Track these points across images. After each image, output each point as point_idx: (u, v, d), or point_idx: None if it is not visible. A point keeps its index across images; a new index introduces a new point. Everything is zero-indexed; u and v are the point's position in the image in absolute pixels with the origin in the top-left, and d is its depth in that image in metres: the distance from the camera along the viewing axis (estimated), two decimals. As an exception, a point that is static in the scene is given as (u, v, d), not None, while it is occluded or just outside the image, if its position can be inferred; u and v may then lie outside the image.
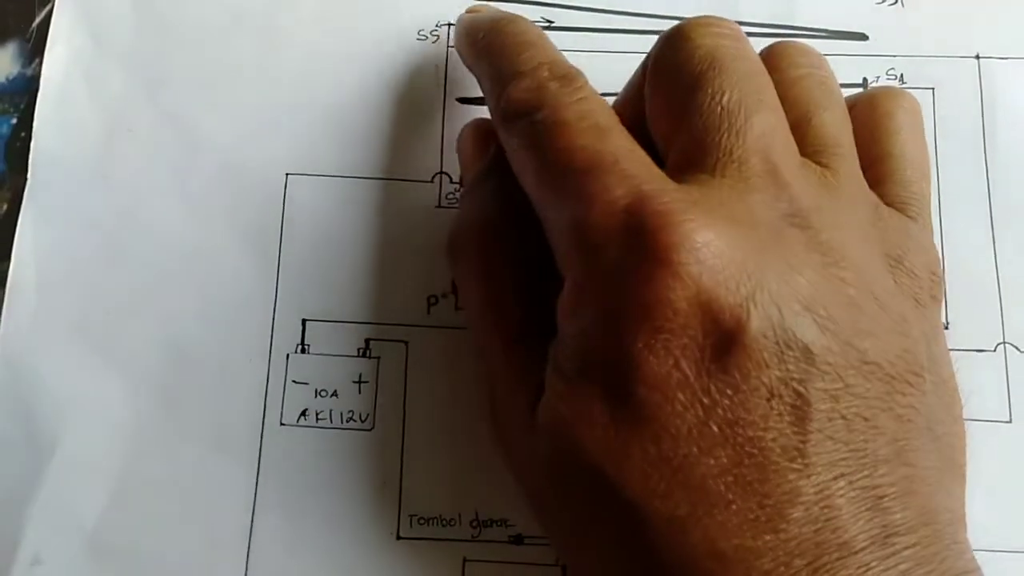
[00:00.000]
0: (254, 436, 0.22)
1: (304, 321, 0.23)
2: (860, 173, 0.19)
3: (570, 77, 0.19)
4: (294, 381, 0.23)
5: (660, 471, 0.16)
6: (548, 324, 0.18)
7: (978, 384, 0.22)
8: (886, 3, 0.25)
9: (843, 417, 0.16)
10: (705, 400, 0.16)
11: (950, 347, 0.22)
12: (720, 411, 0.16)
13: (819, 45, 0.24)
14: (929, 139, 0.24)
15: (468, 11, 0.24)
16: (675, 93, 0.19)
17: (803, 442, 0.15)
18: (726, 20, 0.19)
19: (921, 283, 0.18)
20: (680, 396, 0.16)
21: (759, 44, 0.24)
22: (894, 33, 0.25)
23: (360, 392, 0.23)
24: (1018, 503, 0.22)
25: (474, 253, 0.21)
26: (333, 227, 0.24)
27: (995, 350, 0.23)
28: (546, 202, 0.18)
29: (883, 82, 0.24)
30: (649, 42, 0.24)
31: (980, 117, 0.24)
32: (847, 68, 0.25)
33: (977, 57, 0.25)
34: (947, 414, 0.18)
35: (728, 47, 0.19)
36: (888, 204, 0.20)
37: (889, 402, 0.16)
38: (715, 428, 0.15)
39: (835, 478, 0.16)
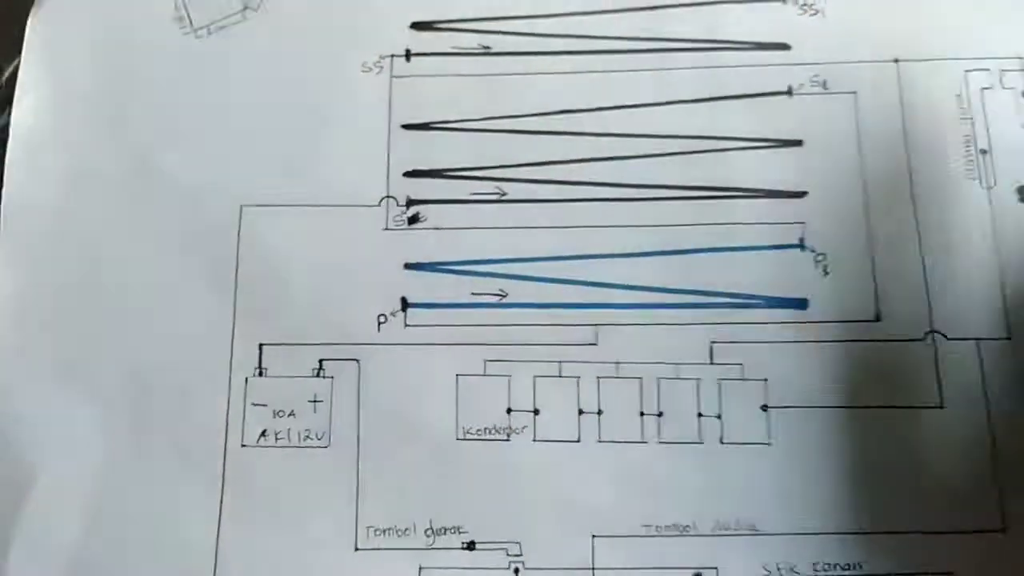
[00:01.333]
0: (217, 458, 0.24)
1: (261, 346, 0.24)
2: None
3: None
4: (253, 404, 0.24)
5: None
6: None
7: (910, 372, 0.24)
8: (807, 13, 0.26)
9: None
10: None
11: (881, 338, 0.24)
12: None
13: (744, 57, 0.26)
14: (853, 141, 0.25)
15: None
16: None
17: None
18: None
19: None
20: None
21: (689, 59, 0.26)
22: (816, 41, 0.26)
23: (316, 411, 0.24)
24: (948, 486, 0.23)
25: None
26: (286, 254, 0.25)
27: (924, 339, 0.24)
28: None
29: (807, 88, 0.25)
30: (583, 62, 0.26)
31: (900, 118, 0.25)
32: (772, 77, 0.26)
33: (896, 61, 0.26)
34: None
35: None
36: None
37: None
38: None
39: None
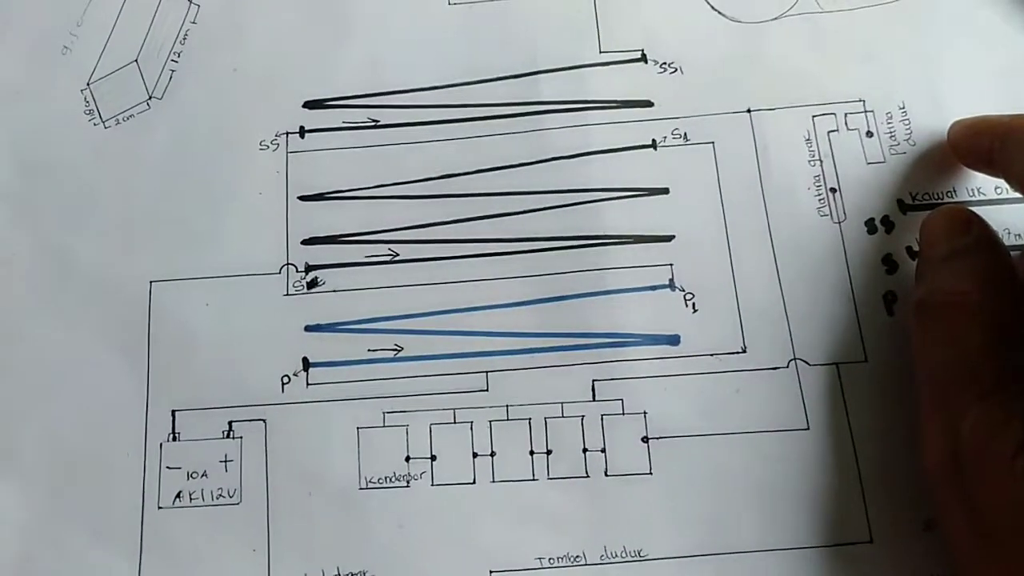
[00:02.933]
0: (135, 521, 0.25)
1: (174, 412, 0.26)
2: None
3: None
4: (168, 467, 0.25)
5: None
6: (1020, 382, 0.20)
7: (777, 398, 0.25)
8: (667, 72, 0.28)
9: None
10: None
11: (748, 368, 0.25)
12: None
13: (610, 114, 0.28)
14: (714, 187, 0.27)
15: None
16: None
17: None
18: None
19: None
20: None
21: (558, 119, 0.28)
22: (676, 97, 0.28)
23: (227, 470, 0.25)
24: (821, 500, 0.24)
25: (947, 317, 0.22)
26: (194, 324, 0.27)
27: (788, 366, 0.26)
28: None
29: (669, 140, 0.28)
30: (466, 129, 0.28)
31: (756, 163, 0.27)
32: (637, 132, 0.28)
33: (749, 111, 0.28)
34: None
35: None
36: None
37: None
38: None
39: None
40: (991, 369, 0.21)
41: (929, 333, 0.23)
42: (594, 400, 0.25)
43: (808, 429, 0.25)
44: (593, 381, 0.26)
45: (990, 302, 0.22)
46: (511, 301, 0.26)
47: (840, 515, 0.24)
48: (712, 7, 0.29)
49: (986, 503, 0.21)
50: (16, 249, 0.27)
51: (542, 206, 0.27)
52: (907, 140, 0.27)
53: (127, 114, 0.29)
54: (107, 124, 0.29)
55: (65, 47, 0.30)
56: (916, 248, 0.26)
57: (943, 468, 0.22)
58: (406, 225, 0.27)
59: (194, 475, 0.25)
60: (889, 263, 0.26)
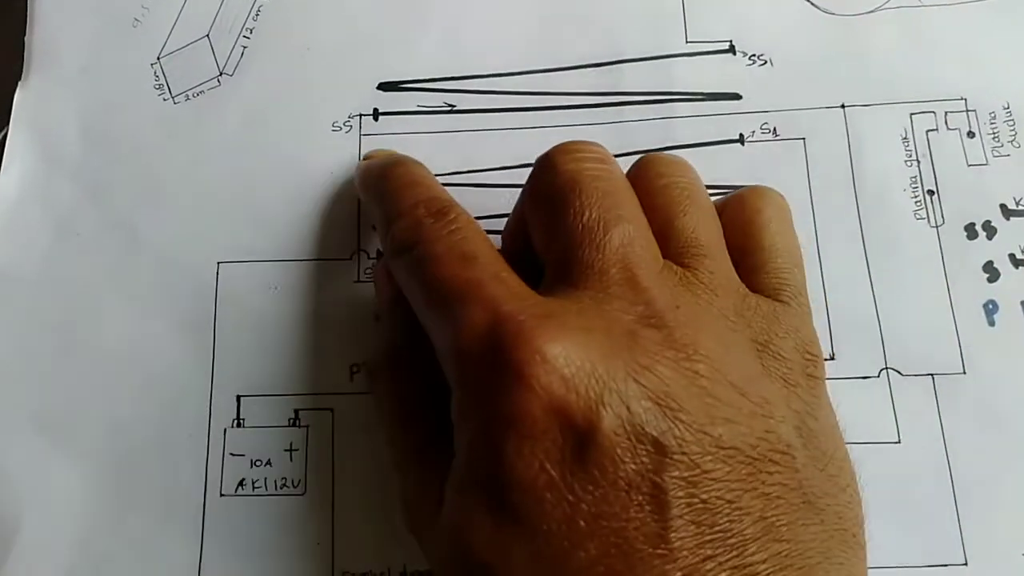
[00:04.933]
0: (197, 508, 0.24)
1: (239, 397, 0.25)
2: (727, 267, 0.21)
3: (443, 212, 0.21)
4: (231, 454, 0.25)
5: (539, 568, 0.17)
6: (451, 437, 0.20)
7: (866, 409, 0.24)
8: (756, 64, 0.27)
9: (703, 502, 0.17)
10: (570, 497, 0.17)
11: (837, 376, 0.24)
12: (584, 506, 0.17)
13: (697, 107, 0.27)
14: (803, 186, 0.26)
15: (365, 157, 0.27)
16: (544, 214, 0.21)
17: (664, 528, 0.17)
18: (591, 144, 0.22)
19: (790, 364, 0.20)
20: (548, 496, 0.17)
21: (641, 110, 0.27)
22: (765, 90, 0.27)
23: (292, 460, 0.25)
24: (912, 519, 0.23)
25: (386, 375, 0.23)
26: (262, 308, 0.26)
27: (879, 376, 0.24)
28: (428, 327, 0.21)
29: (758, 136, 0.27)
30: (545, 117, 0.27)
31: (849, 162, 0.26)
32: (724, 126, 0.27)
33: (843, 107, 0.27)
34: (832, 485, 0.19)
35: (588, 169, 0.21)
36: (760, 291, 0.21)
37: (753, 482, 0.18)
38: (582, 523, 0.17)
39: (703, 560, 0.17)
40: (424, 426, 0.21)
41: (377, 386, 0.23)
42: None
43: (899, 443, 0.24)
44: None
45: (418, 353, 0.22)
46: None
47: (932, 535, 0.23)
48: (805, -2, 0.28)
49: (425, 556, 0.21)
50: (84, 224, 0.27)
51: (623, 199, 0.26)
52: (1011, 142, 0.26)
53: (197, 90, 0.28)
54: (176, 100, 0.28)
55: (136, 20, 0.29)
56: (1021, 256, 0.25)
57: (404, 522, 0.21)
58: (482, 214, 0.26)
59: (258, 463, 0.25)
60: (990, 271, 0.25)
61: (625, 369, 0.18)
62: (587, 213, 0.20)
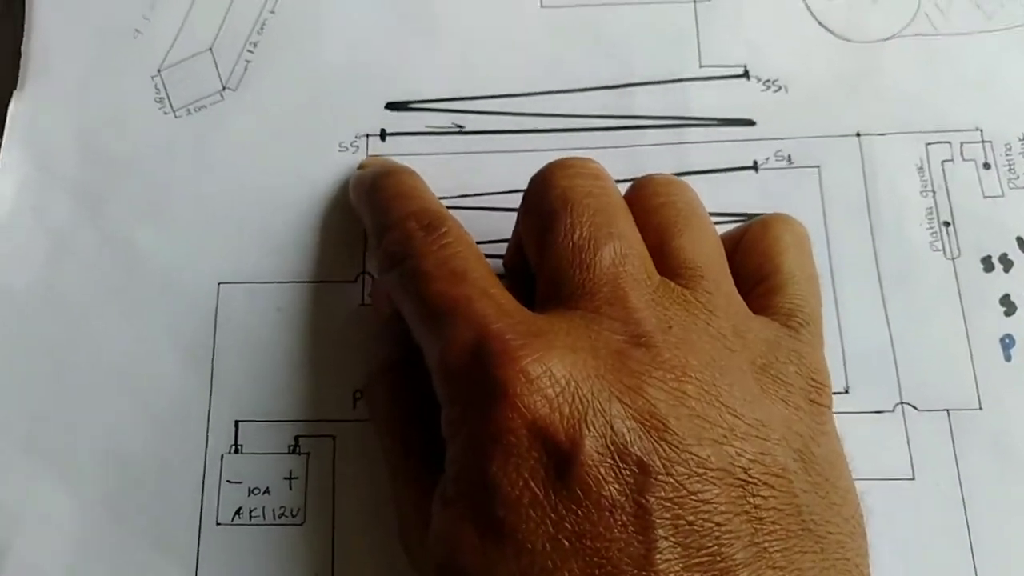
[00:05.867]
0: (192, 537, 0.23)
1: (237, 423, 0.24)
2: (727, 288, 0.21)
3: (434, 225, 0.21)
4: (228, 481, 0.24)
5: None
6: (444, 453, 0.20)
7: (880, 445, 0.24)
8: (771, 90, 0.27)
9: (689, 524, 0.17)
10: (553, 515, 0.17)
11: (851, 411, 0.24)
12: (568, 525, 0.17)
13: (710, 132, 0.26)
14: (818, 215, 0.26)
15: (359, 166, 0.26)
16: (536, 231, 0.21)
17: (648, 550, 0.16)
18: (585, 160, 0.21)
19: (791, 388, 0.19)
20: (532, 513, 0.17)
21: (654, 135, 0.26)
22: (779, 117, 0.27)
23: (291, 488, 0.24)
24: (925, 557, 0.23)
25: (382, 390, 0.22)
26: (263, 331, 0.25)
27: (893, 410, 0.24)
28: (420, 343, 0.20)
29: (771, 163, 0.26)
30: (555, 140, 0.27)
31: (864, 191, 0.26)
32: (737, 153, 0.26)
33: (858, 135, 0.26)
34: (834, 514, 0.19)
35: (581, 186, 0.20)
36: (771, 315, 0.21)
37: (745, 505, 0.17)
38: (565, 542, 0.17)
39: None
40: (419, 443, 0.21)
41: (372, 402, 0.23)
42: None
43: (914, 479, 0.23)
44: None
45: (414, 370, 0.21)
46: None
47: (945, 575, 0.23)
48: (820, 23, 0.27)
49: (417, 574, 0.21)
50: (80, 242, 0.26)
51: (635, 225, 0.26)
52: (1027, 174, 0.26)
53: (199, 104, 0.27)
54: (178, 114, 0.27)
55: (137, 30, 0.28)
56: (1038, 291, 0.25)
57: (400, 541, 0.21)
58: (490, 238, 0.26)
59: (256, 491, 0.24)
60: (1007, 304, 0.25)
61: (610, 389, 0.17)
62: (578, 231, 0.20)
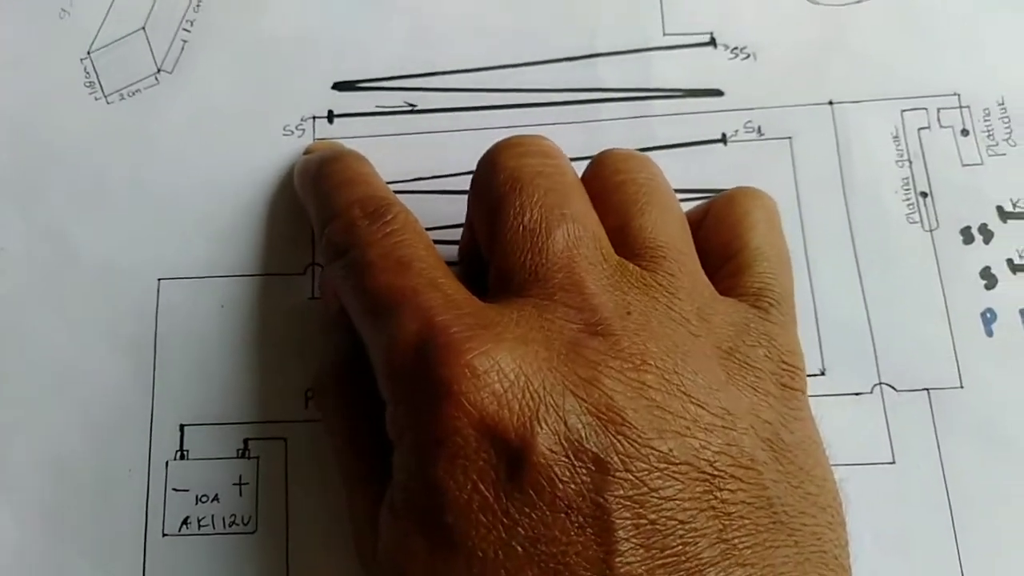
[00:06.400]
0: (137, 548, 0.22)
1: (182, 427, 0.23)
2: (691, 269, 0.19)
3: (380, 213, 0.20)
4: (174, 489, 0.23)
5: None
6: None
7: (859, 428, 0.23)
8: (738, 58, 0.25)
9: (651, 523, 0.16)
10: (505, 520, 0.16)
11: (828, 393, 0.23)
12: (521, 530, 0.16)
13: (676, 104, 0.25)
14: (790, 188, 0.24)
15: (305, 151, 0.25)
16: (486, 216, 0.19)
17: (608, 553, 0.15)
18: (535, 138, 0.20)
19: (759, 372, 0.18)
20: (483, 519, 0.16)
21: (617, 108, 0.25)
22: (748, 86, 0.25)
23: (241, 494, 0.22)
24: (907, 544, 0.22)
25: (331, 392, 0.21)
26: (207, 328, 0.24)
27: (872, 392, 0.23)
28: (365, 339, 0.19)
29: (741, 135, 0.25)
30: (513, 116, 0.25)
31: (837, 162, 0.24)
32: (705, 124, 0.25)
33: (830, 103, 0.25)
34: (809, 504, 0.18)
35: (530, 165, 0.19)
36: (738, 296, 0.20)
37: (711, 500, 0.16)
38: (519, 548, 0.16)
39: None
40: (369, 450, 0.20)
41: (322, 405, 0.22)
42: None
43: (894, 463, 0.22)
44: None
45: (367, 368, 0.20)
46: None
47: (928, 563, 0.22)
48: (789, -14, 0.26)
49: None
50: (9, 236, 0.24)
51: (599, 205, 0.24)
52: (1007, 140, 0.24)
53: (132, 89, 0.26)
54: (110, 99, 0.25)
55: (63, 10, 0.26)
56: (1019, 260, 0.24)
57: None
58: (446, 223, 0.24)
59: (204, 499, 0.22)
60: (987, 277, 0.23)
61: (564, 382, 0.16)
62: (528, 213, 0.18)
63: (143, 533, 0.22)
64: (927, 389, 0.23)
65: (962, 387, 0.23)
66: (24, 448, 0.23)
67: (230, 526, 0.22)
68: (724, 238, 0.21)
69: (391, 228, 0.19)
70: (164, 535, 0.22)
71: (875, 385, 0.23)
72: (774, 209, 0.21)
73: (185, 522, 0.22)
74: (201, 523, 0.22)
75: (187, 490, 0.23)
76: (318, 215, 0.22)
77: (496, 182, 0.19)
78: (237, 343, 0.23)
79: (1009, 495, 0.22)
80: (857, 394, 0.23)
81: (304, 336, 0.24)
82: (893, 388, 0.23)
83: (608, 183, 0.20)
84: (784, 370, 0.19)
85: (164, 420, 0.23)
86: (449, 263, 0.20)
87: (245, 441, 0.23)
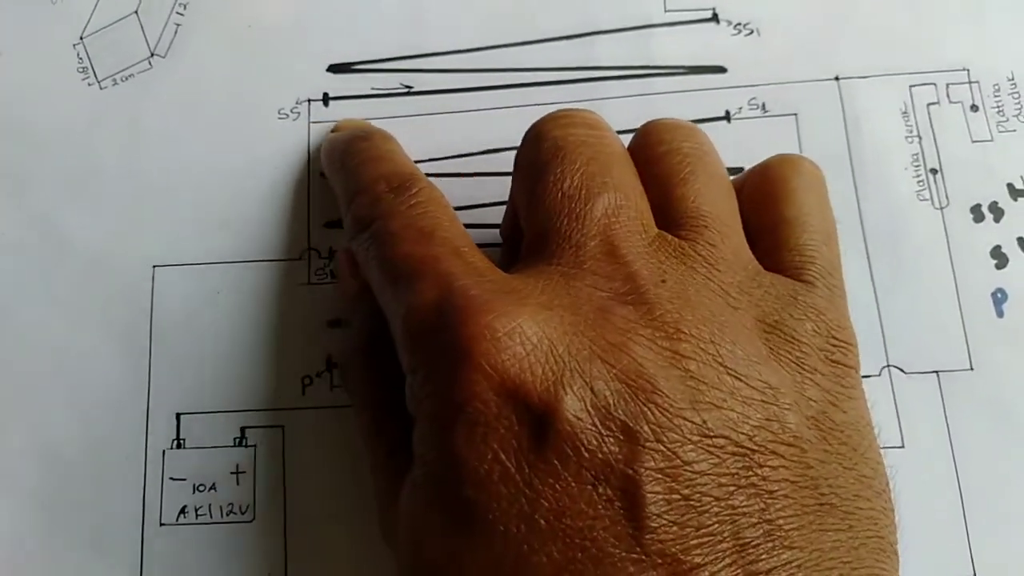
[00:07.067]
0: (134, 539, 0.22)
1: (178, 415, 0.23)
2: (735, 241, 0.19)
3: (404, 187, 0.20)
4: (171, 478, 0.22)
5: (495, 574, 0.15)
6: None
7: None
8: (742, 33, 0.25)
9: (685, 498, 0.15)
10: (528, 492, 0.15)
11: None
12: (545, 502, 0.15)
13: (678, 82, 0.25)
14: (795, 166, 0.24)
15: (332, 129, 0.24)
16: (527, 186, 0.19)
17: (638, 529, 0.14)
18: (582, 111, 0.20)
19: (806, 348, 0.17)
20: (503, 490, 0.15)
21: (618, 86, 0.24)
22: (752, 62, 0.25)
23: (239, 483, 0.22)
24: (918, 528, 0.21)
25: (358, 371, 0.21)
26: (202, 315, 0.23)
27: (880, 375, 0.22)
28: (386, 312, 0.19)
29: (745, 112, 0.24)
30: (510, 97, 0.25)
31: (845, 139, 0.24)
32: (708, 102, 0.24)
33: (836, 79, 0.24)
34: (864, 487, 0.17)
35: (575, 135, 0.19)
36: (782, 271, 0.19)
37: (750, 477, 0.15)
38: (542, 521, 0.15)
39: (690, 569, 0.14)
40: (393, 429, 0.19)
41: (348, 384, 0.22)
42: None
43: (903, 447, 0.22)
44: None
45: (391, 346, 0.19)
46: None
47: (939, 546, 0.21)
48: (794, -40, 0.25)
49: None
50: (2, 224, 0.24)
51: (599, 186, 0.24)
52: (1017, 116, 0.24)
53: (126, 73, 0.25)
54: (103, 84, 0.25)
55: (56, -4, 0.26)
56: (1028, 239, 0.23)
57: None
58: (444, 206, 0.24)
59: (201, 488, 0.22)
60: (998, 256, 0.23)
61: (591, 347, 0.16)
62: (568, 180, 0.18)
63: (140, 523, 0.22)
64: (936, 371, 0.22)
65: (972, 369, 0.22)
66: (19, 438, 0.23)
67: (228, 515, 0.22)
68: (760, 210, 0.20)
69: (415, 200, 0.19)
70: (162, 524, 0.22)
71: (883, 368, 0.22)
72: (817, 174, 0.21)
73: (183, 511, 0.22)
74: (199, 512, 0.22)
75: (184, 479, 0.22)
76: (344, 191, 0.21)
77: (539, 150, 0.19)
78: (233, 330, 0.23)
79: (1020, 478, 0.21)
80: (865, 376, 0.22)
81: (301, 322, 0.23)
82: (902, 371, 0.22)
83: (652, 153, 0.19)
84: (834, 345, 0.18)
85: (160, 409, 0.23)
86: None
87: (242, 429, 0.23)
